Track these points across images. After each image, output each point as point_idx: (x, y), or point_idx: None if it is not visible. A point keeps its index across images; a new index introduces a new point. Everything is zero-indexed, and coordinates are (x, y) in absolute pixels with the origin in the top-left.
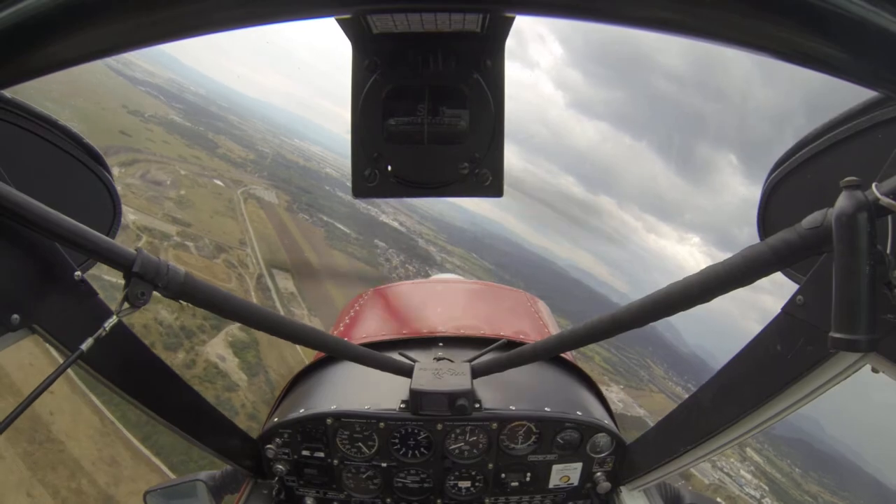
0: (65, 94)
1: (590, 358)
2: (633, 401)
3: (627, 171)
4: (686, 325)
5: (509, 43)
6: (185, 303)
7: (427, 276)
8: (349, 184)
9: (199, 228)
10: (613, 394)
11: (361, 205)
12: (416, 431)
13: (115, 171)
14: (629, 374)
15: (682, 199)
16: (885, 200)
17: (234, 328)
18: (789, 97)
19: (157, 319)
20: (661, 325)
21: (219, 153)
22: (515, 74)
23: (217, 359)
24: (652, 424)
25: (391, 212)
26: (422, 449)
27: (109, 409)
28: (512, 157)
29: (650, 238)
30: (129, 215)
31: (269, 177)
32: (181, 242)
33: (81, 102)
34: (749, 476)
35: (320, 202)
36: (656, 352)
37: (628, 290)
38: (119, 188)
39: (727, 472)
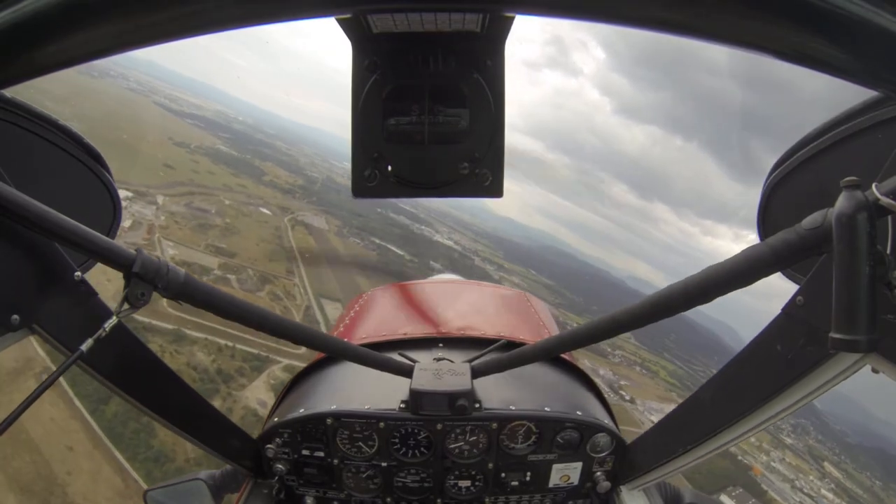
0: (110, 127)
1: (654, 373)
2: None
3: (680, 174)
4: (747, 331)
5: (550, 50)
6: (184, 303)
7: None
8: (401, 204)
9: (243, 258)
10: None
11: (416, 226)
12: (416, 431)
13: (160, 199)
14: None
15: (735, 197)
16: (885, 200)
17: (276, 369)
18: (846, 85)
19: (190, 364)
20: (720, 330)
21: (265, 180)
22: (559, 83)
23: (257, 405)
24: (733, 455)
25: (445, 231)
26: (422, 448)
27: (134, 466)
28: (563, 169)
29: (706, 240)
30: (169, 249)
31: (319, 202)
32: (222, 276)
33: (127, 137)
34: (831, 496)
35: (372, 225)
36: (722, 361)
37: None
38: (162, 219)
39: (808, 492)
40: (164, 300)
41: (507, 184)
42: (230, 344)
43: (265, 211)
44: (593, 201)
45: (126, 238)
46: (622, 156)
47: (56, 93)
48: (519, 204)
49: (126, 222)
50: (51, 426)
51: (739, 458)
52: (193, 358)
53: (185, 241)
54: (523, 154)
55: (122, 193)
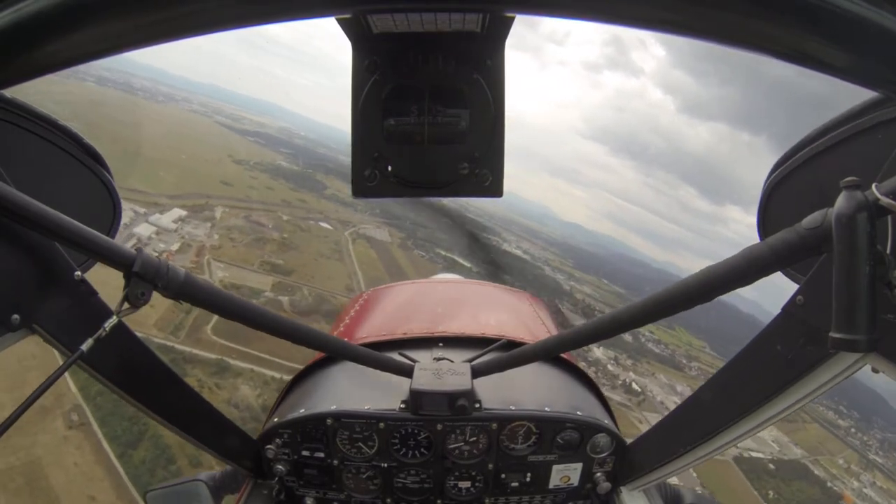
0: (171, 147)
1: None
2: (788, 438)
3: (748, 170)
4: None
5: (609, 51)
6: (184, 302)
7: (558, 308)
8: (467, 214)
9: (300, 276)
10: (766, 432)
11: (483, 235)
12: (416, 431)
13: (217, 213)
14: None
15: None
16: (885, 201)
17: None
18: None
19: (231, 401)
20: None
21: (327, 194)
22: (620, 84)
23: None
24: (812, 468)
25: (514, 240)
26: (422, 449)
27: None
28: (628, 172)
29: None
30: (218, 272)
31: (382, 213)
32: (274, 298)
33: (186, 159)
34: None
35: (437, 236)
36: None
37: (771, 306)
38: (215, 238)
39: None
40: (210, 330)
41: (573, 189)
42: (277, 375)
43: (325, 225)
44: (660, 204)
45: (177, 259)
46: (688, 155)
47: (122, 119)
48: (585, 210)
49: (174, 245)
50: (74, 472)
51: (829, 484)
52: (236, 393)
53: (238, 259)
54: (587, 158)
55: (175, 213)
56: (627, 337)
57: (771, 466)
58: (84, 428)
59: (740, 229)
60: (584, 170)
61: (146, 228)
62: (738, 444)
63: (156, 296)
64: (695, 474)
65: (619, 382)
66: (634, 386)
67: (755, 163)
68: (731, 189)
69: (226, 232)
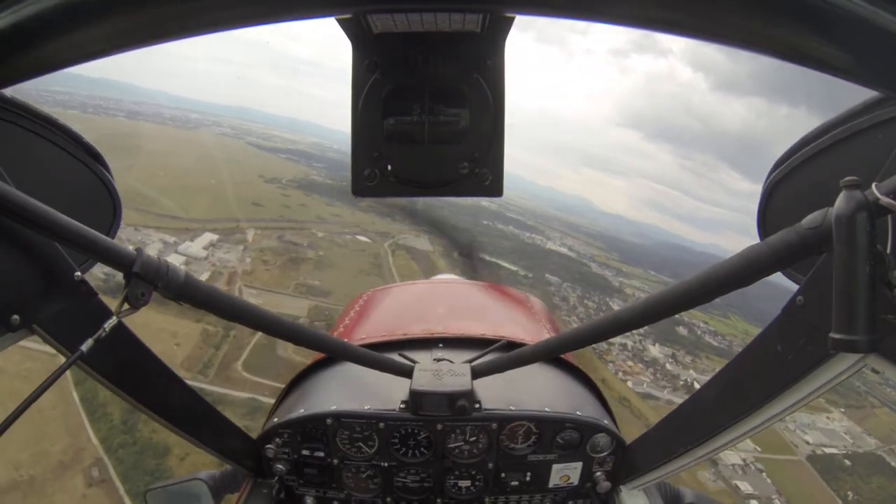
0: (203, 173)
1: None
2: (860, 428)
3: (790, 144)
4: None
5: (635, 35)
6: (184, 303)
7: (608, 307)
8: (507, 213)
9: (338, 298)
10: (837, 423)
11: (525, 234)
12: (416, 431)
13: (249, 235)
14: (843, 387)
15: None
16: (885, 200)
17: None
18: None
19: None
20: None
21: (363, 206)
22: (649, 67)
23: None
24: (888, 459)
25: (557, 237)
26: (422, 449)
27: None
28: (666, 156)
29: None
30: (251, 299)
31: (421, 221)
32: (310, 325)
33: (216, 184)
34: None
35: (480, 239)
36: None
37: None
38: (247, 262)
39: None
40: (240, 367)
41: (607, 178)
42: None
43: (363, 238)
44: (699, 187)
45: None
46: (725, 134)
47: (149, 148)
48: (625, 199)
49: (204, 274)
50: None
51: None
52: None
53: (271, 284)
54: (622, 146)
55: (206, 238)
56: (683, 331)
57: (846, 462)
58: (105, 484)
59: None
60: (621, 158)
61: (175, 260)
62: (737, 445)
63: (182, 333)
64: (769, 480)
65: (681, 383)
66: (696, 385)
67: (797, 136)
68: (770, 163)
69: (258, 255)
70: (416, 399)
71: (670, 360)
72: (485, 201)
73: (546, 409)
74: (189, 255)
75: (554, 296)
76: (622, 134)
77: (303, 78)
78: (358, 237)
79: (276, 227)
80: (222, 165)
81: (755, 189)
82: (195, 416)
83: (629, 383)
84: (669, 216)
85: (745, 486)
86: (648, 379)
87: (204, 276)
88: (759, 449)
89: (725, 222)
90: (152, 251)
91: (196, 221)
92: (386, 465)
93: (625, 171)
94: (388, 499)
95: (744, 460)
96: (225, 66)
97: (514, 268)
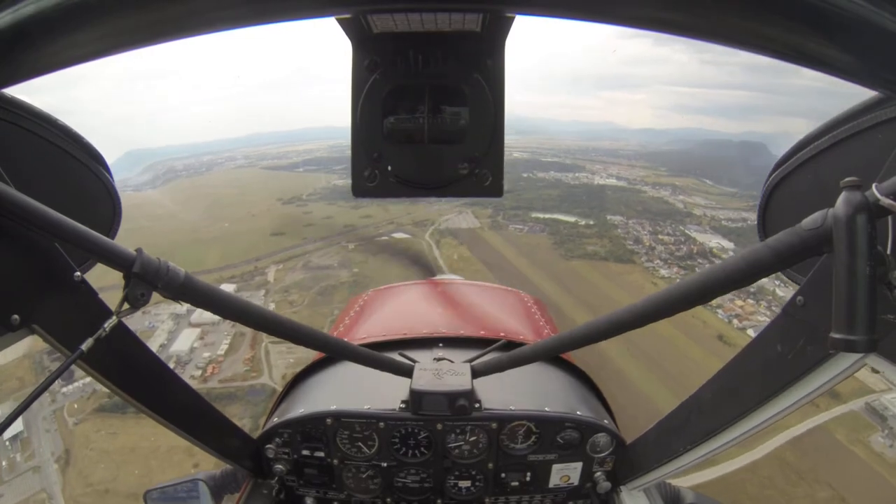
0: (215, 217)
1: None
2: None
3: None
4: None
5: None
6: (184, 303)
7: (687, 238)
8: (543, 159)
9: None
10: None
11: (568, 176)
12: (416, 431)
13: (270, 274)
14: None
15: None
16: (885, 201)
17: None
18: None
19: None
20: None
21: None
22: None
23: None
24: None
25: (600, 168)
26: (422, 449)
27: None
28: (681, 56)
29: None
30: (279, 360)
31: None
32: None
33: (228, 226)
34: None
35: (526, 196)
36: None
37: None
38: (271, 308)
39: None
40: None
41: (627, 95)
42: None
43: (401, 235)
44: (723, 74)
45: (228, 363)
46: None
47: (158, 213)
48: (650, 111)
49: (222, 347)
50: None
51: None
52: None
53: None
54: (634, 58)
55: (227, 287)
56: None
57: None
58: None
59: (813, 73)
60: (635, 71)
61: (188, 335)
62: (737, 444)
63: None
64: None
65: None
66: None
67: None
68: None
69: (283, 296)
70: (417, 398)
71: (777, 282)
72: (516, 151)
73: (546, 408)
74: (202, 322)
75: (625, 239)
76: (630, 45)
77: (303, 85)
78: (395, 235)
79: (302, 253)
80: (236, 203)
81: (775, 64)
82: (195, 416)
83: (750, 331)
84: (697, 114)
85: None
86: (767, 313)
87: (220, 351)
88: None
89: (754, 106)
90: (163, 331)
91: (210, 273)
92: (386, 465)
93: (641, 82)
94: (389, 499)
95: None
96: (224, 102)
97: (571, 219)
